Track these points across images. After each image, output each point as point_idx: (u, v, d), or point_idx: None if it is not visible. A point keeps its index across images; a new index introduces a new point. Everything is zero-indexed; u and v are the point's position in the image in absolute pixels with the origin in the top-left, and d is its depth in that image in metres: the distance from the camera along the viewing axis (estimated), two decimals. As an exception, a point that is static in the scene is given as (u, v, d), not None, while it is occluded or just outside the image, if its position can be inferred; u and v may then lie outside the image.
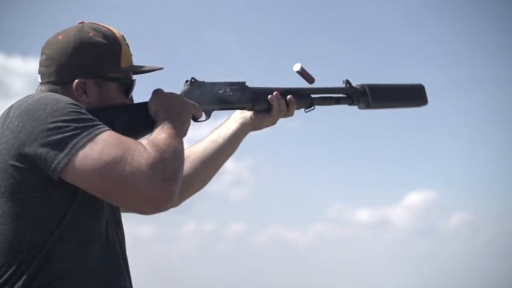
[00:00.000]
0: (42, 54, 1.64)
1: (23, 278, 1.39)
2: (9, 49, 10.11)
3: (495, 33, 9.55)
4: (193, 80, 1.84)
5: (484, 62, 10.05)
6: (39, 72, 1.63)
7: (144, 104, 1.66)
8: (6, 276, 1.40)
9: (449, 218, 10.92)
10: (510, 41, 9.41)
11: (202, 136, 2.10)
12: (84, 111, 1.44)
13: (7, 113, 1.47)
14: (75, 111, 1.42)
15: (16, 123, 1.41)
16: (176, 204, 2.03)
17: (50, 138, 1.37)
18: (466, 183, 10.12)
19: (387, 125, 10.99)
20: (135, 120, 1.63)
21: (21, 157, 1.39)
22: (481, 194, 10.24)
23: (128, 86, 1.66)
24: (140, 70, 1.69)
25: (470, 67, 10.16)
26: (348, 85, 2.20)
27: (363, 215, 11.28)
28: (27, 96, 1.50)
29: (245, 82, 1.97)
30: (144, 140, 1.45)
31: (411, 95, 2.36)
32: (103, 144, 1.37)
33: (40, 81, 1.63)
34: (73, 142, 1.37)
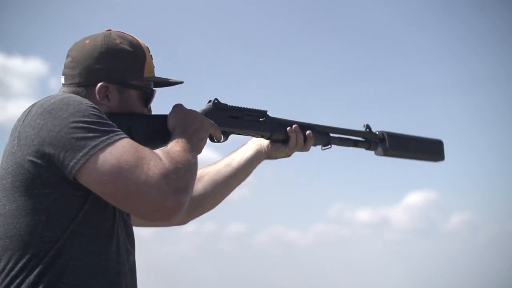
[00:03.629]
0: (67, 56, 1.67)
1: (34, 273, 1.41)
2: (9, 49, 10.12)
3: (495, 33, 9.55)
4: (216, 101, 1.87)
5: (484, 62, 10.06)
6: (63, 74, 1.66)
7: (163, 117, 1.69)
8: (16, 269, 1.42)
9: (449, 218, 10.94)
10: (510, 41, 9.41)
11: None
12: (105, 116, 1.47)
13: (29, 111, 1.48)
14: (96, 115, 1.44)
15: (37, 121, 1.44)
16: (184, 222, 2.09)
17: (70, 137, 1.39)
18: (466, 183, 10.14)
19: (387, 125, 10.98)
20: (153, 131, 1.65)
21: (40, 153, 1.41)
22: (481, 194, 10.25)
23: (148, 96, 1.69)
24: (161, 81, 1.71)
25: (470, 67, 10.16)
26: (368, 129, 2.22)
27: (363, 215, 11.29)
28: (49, 96, 1.52)
29: (266, 111, 1.99)
30: (159, 151, 1.47)
31: (429, 149, 2.35)
32: (122, 151, 1.39)
33: (63, 82, 1.65)
34: (93, 144, 1.39)
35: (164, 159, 1.42)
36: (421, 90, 10.98)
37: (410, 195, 11.00)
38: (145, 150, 1.42)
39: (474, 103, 10.48)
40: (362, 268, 10.18)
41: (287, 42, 11.33)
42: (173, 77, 1.74)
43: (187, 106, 1.73)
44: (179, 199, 1.41)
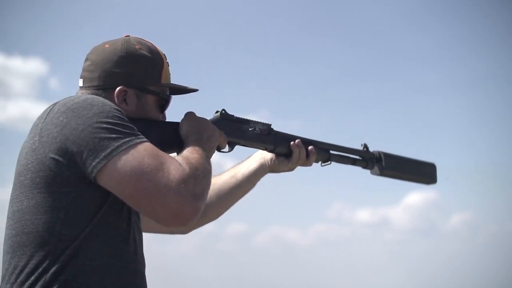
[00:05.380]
0: (86, 60, 1.69)
1: (51, 271, 1.42)
2: (9, 49, 10.11)
3: (495, 33, 9.56)
4: (223, 111, 1.91)
5: (484, 62, 10.06)
6: (81, 77, 1.68)
7: (175, 124, 1.72)
8: (31, 266, 1.43)
9: (449, 218, 10.93)
10: (510, 41, 9.41)
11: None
12: (127, 119, 1.49)
13: (51, 109, 1.50)
14: (119, 117, 1.46)
15: (60, 119, 1.45)
16: (186, 231, 2.14)
17: (93, 137, 1.41)
18: (466, 183, 10.13)
19: (387, 125, 10.99)
20: (165, 137, 1.68)
21: (62, 151, 1.43)
22: (481, 194, 10.24)
23: (164, 102, 1.72)
24: (178, 88, 1.74)
25: (470, 67, 10.16)
26: (365, 149, 2.29)
27: (363, 215, 11.29)
28: (72, 96, 1.54)
29: (271, 125, 2.04)
30: (178, 157, 1.50)
31: (422, 172, 2.43)
32: (144, 154, 1.42)
33: (81, 85, 1.67)
34: (116, 145, 1.41)
35: (183, 164, 1.45)
36: (421, 90, 10.98)
37: (410, 195, 11.00)
38: (165, 155, 1.45)
39: (474, 103, 10.48)
40: (362, 268, 10.18)
41: (287, 42, 11.33)
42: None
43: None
44: (196, 205, 1.43)
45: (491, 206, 9.82)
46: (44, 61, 10.95)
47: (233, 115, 1.93)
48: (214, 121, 1.87)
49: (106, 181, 1.41)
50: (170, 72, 1.74)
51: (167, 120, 1.77)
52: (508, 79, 9.74)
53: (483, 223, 10.40)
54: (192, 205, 1.42)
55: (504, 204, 9.51)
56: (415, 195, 11.06)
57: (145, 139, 1.46)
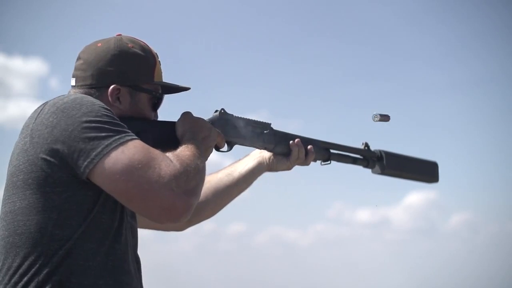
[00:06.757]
0: (79, 58, 1.68)
1: (44, 271, 1.42)
2: (9, 49, 10.12)
3: (495, 33, 9.56)
4: (222, 111, 1.90)
5: (484, 62, 10.06)
6: (74, 76, 1.67)
7: (172, 123, 1.72)
8: (24, 267, 1.43)
9: (449, 218, 10.93)
10: (510, 41, 9.41)
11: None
12: (116, 117, 1.49)
13: (41, 110, 1.50)
14: (108, 115, 1.46)
15: (50, 119, 1.45)
16: (182, 229, 2.13)
17: (83, 136, 1.41)
18: (466, 183, 10.13)
19: (386, 125, 10.98)
20: (161, 137, 1.68)
21: (53, 152, 1.43)
22: (481, 194, 10.25)
23: (157, 101, 1.72)
24: (170, 86, 1.74)
25: (470, 67, 10.16)
26: (366, 147, 2.27)
27: (363, 215, 11.29)
28: (62, 95, 1.54)
29: (270, 124, 2.03)
30: (169, 153, 1.49)
31: (424, 170, 2.42)
32: (134, 151, 1.42)
33: (73, 84, 1.67)
34: (106, 143, 1.41)
35: (174, 161, 1.45)
36: (421, 90, 10.99)
37: (410, 195, 10.99)
38: (156, 152, 1.45)
39: (474, 103, 10.48)
40: (362, 268, 10.18)
41: (287, 42, 11.33)
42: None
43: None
44: (188, 201, 1.43)
45: (491, 206, 9.83)
46: (44, 61, 10.95)
47: (232, 114, 1.92)
48: (213, 120, 1.86)
49: (98, 180, 1.42)
50: (163, 71, 1.75)
51: (160, 119, 1.77)
52: (508, 79, 9.75)
53: (483, 223, 10.40)
54: (184, 201, 1.42)
55: (504, 204, 9.51)
56: (415, 195, 11.07)
57: (135, 137, 1.46)
